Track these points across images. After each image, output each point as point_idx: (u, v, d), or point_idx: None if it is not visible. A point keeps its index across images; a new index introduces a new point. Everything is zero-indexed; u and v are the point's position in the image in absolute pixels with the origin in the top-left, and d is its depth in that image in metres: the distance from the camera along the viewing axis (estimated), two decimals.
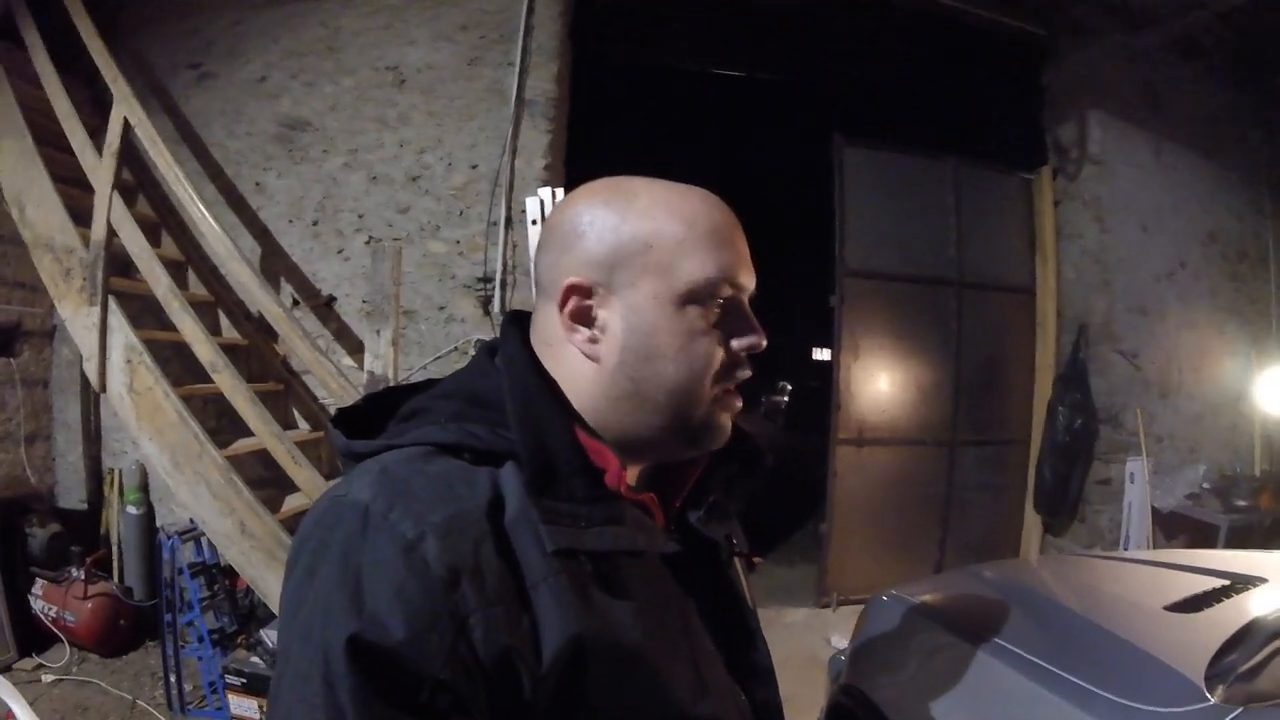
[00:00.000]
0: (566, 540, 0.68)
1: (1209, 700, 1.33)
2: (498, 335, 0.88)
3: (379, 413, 0.82)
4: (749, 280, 0.82)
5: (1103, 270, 5.12)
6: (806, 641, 4.50)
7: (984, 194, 5.57)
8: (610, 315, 0.79)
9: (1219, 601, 1.84)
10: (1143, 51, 5.18)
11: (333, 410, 4.06)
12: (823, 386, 5.53)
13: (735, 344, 0.80)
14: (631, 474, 0.81)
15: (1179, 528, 4.84)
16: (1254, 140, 5.55)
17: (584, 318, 0.79)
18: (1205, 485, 4.89)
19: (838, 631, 4.34)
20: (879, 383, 5.39)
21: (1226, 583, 1.95)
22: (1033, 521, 5.49)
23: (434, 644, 0.60)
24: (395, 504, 0.65)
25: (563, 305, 0.79)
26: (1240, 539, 4.46)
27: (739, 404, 0.82)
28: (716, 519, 0.89)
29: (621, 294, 0.78)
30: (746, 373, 0.81)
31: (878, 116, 6.32)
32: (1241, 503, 4.69)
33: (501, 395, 0.77)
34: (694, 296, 0.77)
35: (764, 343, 0.80)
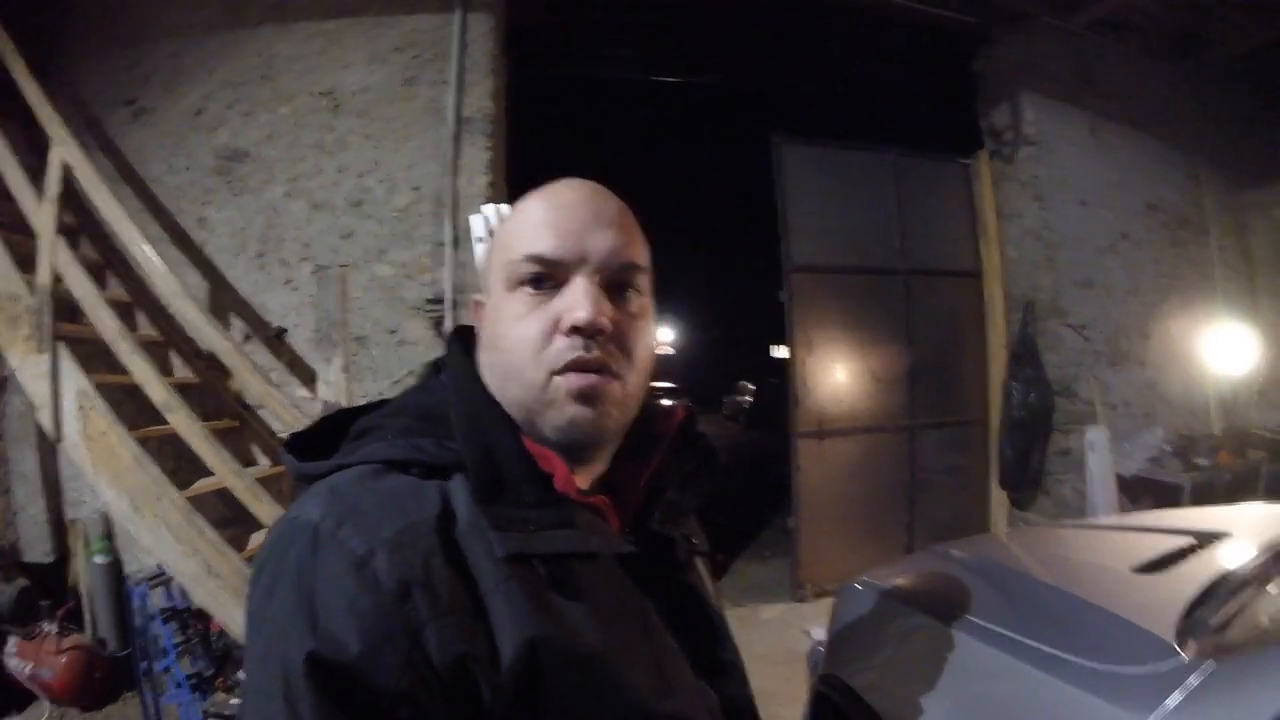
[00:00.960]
0: (516, 545, 0.69)
1: (1181, 656, 1.34)
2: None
3: (332, 434, 0.82)
4: (574, 253, 0.77)
5: (1046, 247, 5.25)
6: (784, 636, 4.52)
7: (923, 182, 5.71)
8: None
9: (1185, 559, 1.86)
10: (1074, 33, 5.33)
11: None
12: (783, 383, 5.58)
13: (562, 321, 0.76)
14: (584, 478, 0.81)
15: (1143, 491, 4.95)
16: (1189, 112, 5.73)
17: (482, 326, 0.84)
18: (1165, 447, 4.99)
19: (815, 623, 4.36)
20: (835, 374, 5.47)
21: (1192, 540, 1.97)
22: (998, 498, 5.60)
23: (389, 656, 0.61)
24: (344, 521, 0.66)
25: (476, 319, 0.86)
26: (1203, 496, 4.57)
27: (578, 384, 0.75)
28: (673, 518, 0.90)
29: (489, 298, 0.83)
30: (574, 353, 0.74)
31: (815, 114, 6.41)
32: (1202, 461, 4.82)
33: (447, 409, 0.78)
34: (514, 279, 0.78)
35: (584, 315, 0.74)
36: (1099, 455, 4.84)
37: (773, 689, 3.71)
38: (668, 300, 25.09)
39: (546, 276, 0.77)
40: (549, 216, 0.78)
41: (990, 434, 5.59)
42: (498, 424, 0.77)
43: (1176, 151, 5.66)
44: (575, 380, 0.75)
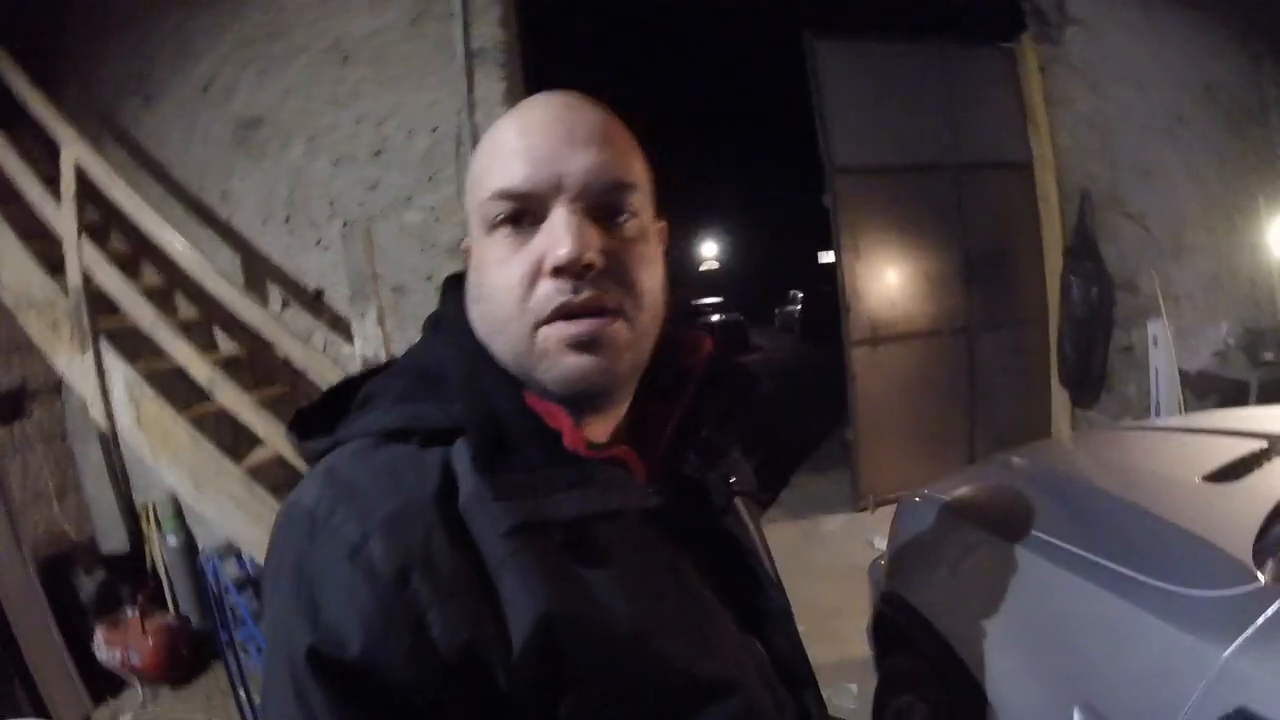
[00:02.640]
0: (522, 514, 0.63)
1: (1259, 581, 1.24)
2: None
3: (340, 404, 0.77)
4: (548, 181, 0.68)
5: (1099, 134, 5.01)
6: (847, 548, 4.53)
7: (968, 71, 5.45)
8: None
9: (1259, 466, 1.72)
10: None
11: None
12: (833, 291, 5.50)
13: (544, 262, 0.67)
14: (601, 428, 0.75)
15: (1208, 387, 4.80)
16: None
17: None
18: (1230, 341, 4.81)
19: (878, 533, 4.35)
20: (886, 279, 5.35)
21: (1264, 445, 1.84)
22: (1060, 398, 5.46)
23: (392, 648, 0.58)
24: (338, 506, 0.62)
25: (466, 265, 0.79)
26: (1271, 393, 4.38)
27: (571, 331, 0.67)
28: (709, 460, 0.83)
29: (473, 241, 0.75)
30: (561, 298, 0.67)
31: (849, 5, 6.15)
32: (1269, 356, 4.62)
33: (447, 367, 0.73)
34: (488, 219, 0.70)
35: (565, 252, 0.66)
36: (1162, 350, 4.66)
37: (837, 604, 3.74)
38: (711, 214, 24.74)
39: (522, 212, 0.69)
40: (518, 143, 0.70)
41: (1050, 333, 5.43)
42: (495, 381, 0.70)
43: (1233, 30, 5.22)
44: (567, 329, 0.67)
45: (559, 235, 0.67)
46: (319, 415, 0.77)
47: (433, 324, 0.80)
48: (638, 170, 0.73)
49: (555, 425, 0.68)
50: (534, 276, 0.67)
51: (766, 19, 7.03)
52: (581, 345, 0.67)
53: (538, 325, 0.68)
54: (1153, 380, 4.71)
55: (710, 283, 25.19)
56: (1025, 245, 5.52)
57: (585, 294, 0.67)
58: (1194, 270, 5.08)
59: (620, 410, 0.77)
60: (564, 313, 0.67)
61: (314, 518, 0.62)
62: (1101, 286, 4.98)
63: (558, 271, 0.66)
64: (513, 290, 0.68)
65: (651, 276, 0.73)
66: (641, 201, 0.73)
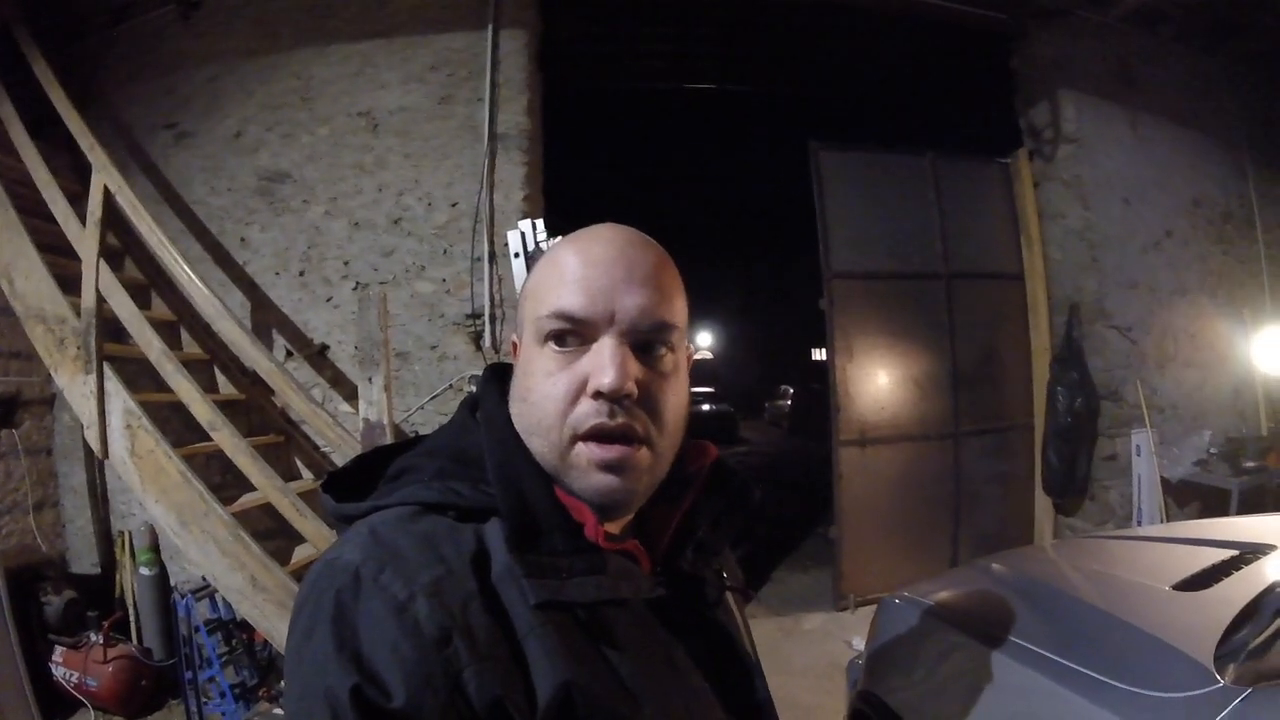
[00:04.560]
0: (548, 593, 0.70)
1: (1219, 682, 1.32)
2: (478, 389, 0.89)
3: (369, 473, 0.83)
4: (603, 313, 0.76)
5: (1089, 248, 5.13)
6: (826, 647, 4.48)
7: (964, 184, 5.61)
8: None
9: (1228, 575, 1.83)
10: (1110, 26, 5.21)
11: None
12: (823, 388, 5.54)
13: (588, 384, 0.75)
14: (615, 523, 0.81)
15: (1190, 496, 4.84)
16: (1229, 103, 5.56)
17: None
18: (1213, 451, 4.85)
19: (857, 634, 4.33)
20: (877, 382, 5.39)
21: (1235, 553, 1.94)
22: (1044, 505, 5.48)
23: (430, 700, 0.63)
24: (385, 566, 0.68)
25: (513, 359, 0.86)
26: (1252, 500, 4.47)
27: (601, 455, 0.74)
28: (704, 557, 0.90)
29: (521, 343, 0.83)
30: (597, 418, 0.74)
31: (853, 118, 6.36)
32: (1250, 464, 4.67)
33: (483, 452, 0.79)
34: (541, 334, 0.78)
35: (609, 380, 0.73)
36: (1145, 460, 4.74)
37: (814, 701, 3.71)
38: (708, 305, 25.00)
39: (574, 334, 0.76)
40: (579, 272, 0.77)
41: (1035, 440, 5.49)
42: (530, 474, 0.77)
43: (1219, 145, 5.50)
44: (598, 451, 0.75)
45: (605, 364, 0.74)
46: (348, 480, 0.84)
47: (470, 408, 0.88)
48: (680, 310, 0.81)
49: (579, 519, 0.75)
50: (577, 394, 0.76)
51: (776, 126, 7.29)
52: (609, 467, 0.75)
53: (574, 439, 0.75)
54: (1135, 488, 4.78)
55: (702, 372, 25.31)
56: (1013, 354, 5.64)
57: (619, 419, 0.75)
58: (1178, 381, 5.17)
59: (633, 510, 0.83)
60: (598, 433, 0.74)
61: (360, 575, 0.67)
62: (1087, 396, 5.04)
63: (598, 395, 0.74)
64: (556, 402, 0.76)
65: (678, 406, 0.81)
66: (679, 338, 0.81)
